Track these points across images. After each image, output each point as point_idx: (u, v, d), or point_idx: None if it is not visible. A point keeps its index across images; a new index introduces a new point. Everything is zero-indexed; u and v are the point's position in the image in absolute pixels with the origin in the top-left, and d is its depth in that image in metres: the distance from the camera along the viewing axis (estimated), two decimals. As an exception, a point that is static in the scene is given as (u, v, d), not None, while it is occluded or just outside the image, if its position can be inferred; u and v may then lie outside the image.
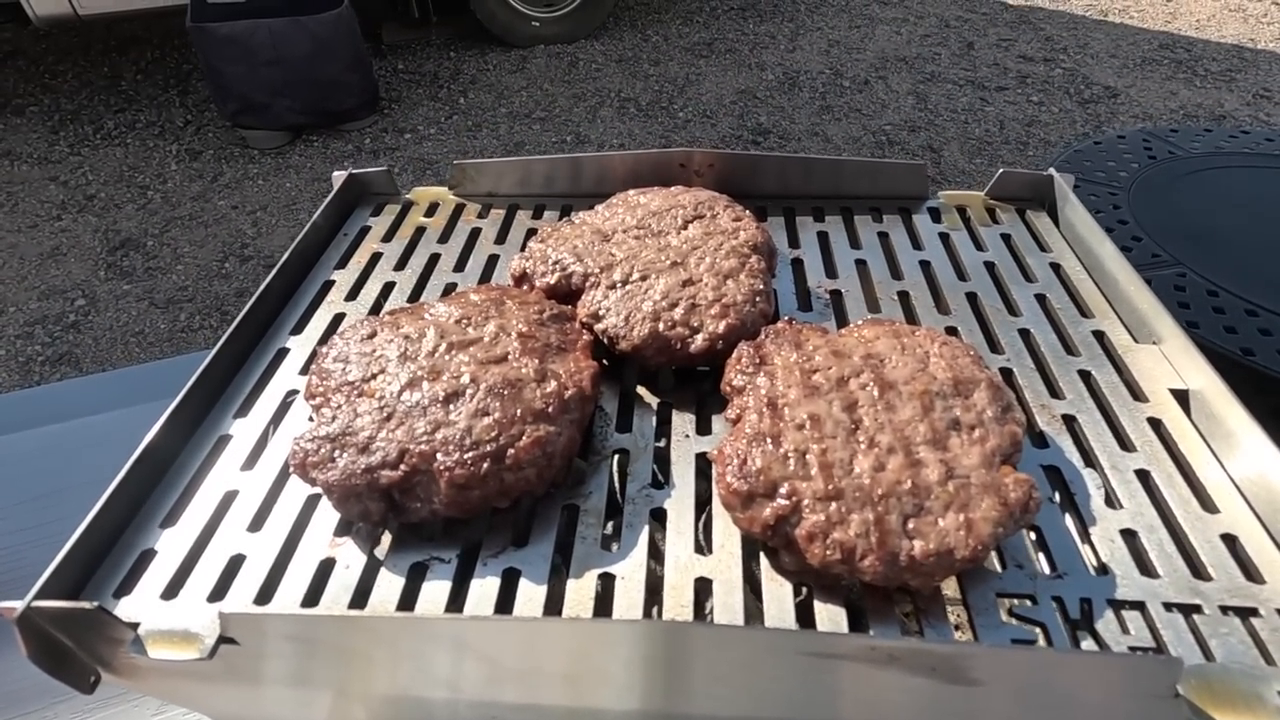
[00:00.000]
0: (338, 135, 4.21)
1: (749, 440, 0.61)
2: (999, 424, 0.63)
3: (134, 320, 3.16)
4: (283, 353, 0.80)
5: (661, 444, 0.70)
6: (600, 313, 0.75)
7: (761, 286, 0.76)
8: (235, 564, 0.61)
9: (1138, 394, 0.73)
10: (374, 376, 0.66)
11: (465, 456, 0.60)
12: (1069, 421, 0.71)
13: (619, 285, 0.76)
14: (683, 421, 0.72)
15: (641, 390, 0.75)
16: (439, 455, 0.60)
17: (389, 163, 4.10)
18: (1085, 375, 0.76)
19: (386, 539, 0.64)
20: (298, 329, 0.83)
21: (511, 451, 0.61)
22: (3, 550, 1.13)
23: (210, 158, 4.02)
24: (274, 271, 0.85)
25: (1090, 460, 0.68)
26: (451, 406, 0.63)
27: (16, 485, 1.24)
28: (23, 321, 3.13)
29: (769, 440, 0.61)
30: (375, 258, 0.93)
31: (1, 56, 4.66)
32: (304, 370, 0.78)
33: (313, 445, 0.62)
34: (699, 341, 0.71)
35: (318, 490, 0.66)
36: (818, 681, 0.53)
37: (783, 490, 0.58)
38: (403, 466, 0.60)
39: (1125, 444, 0.69)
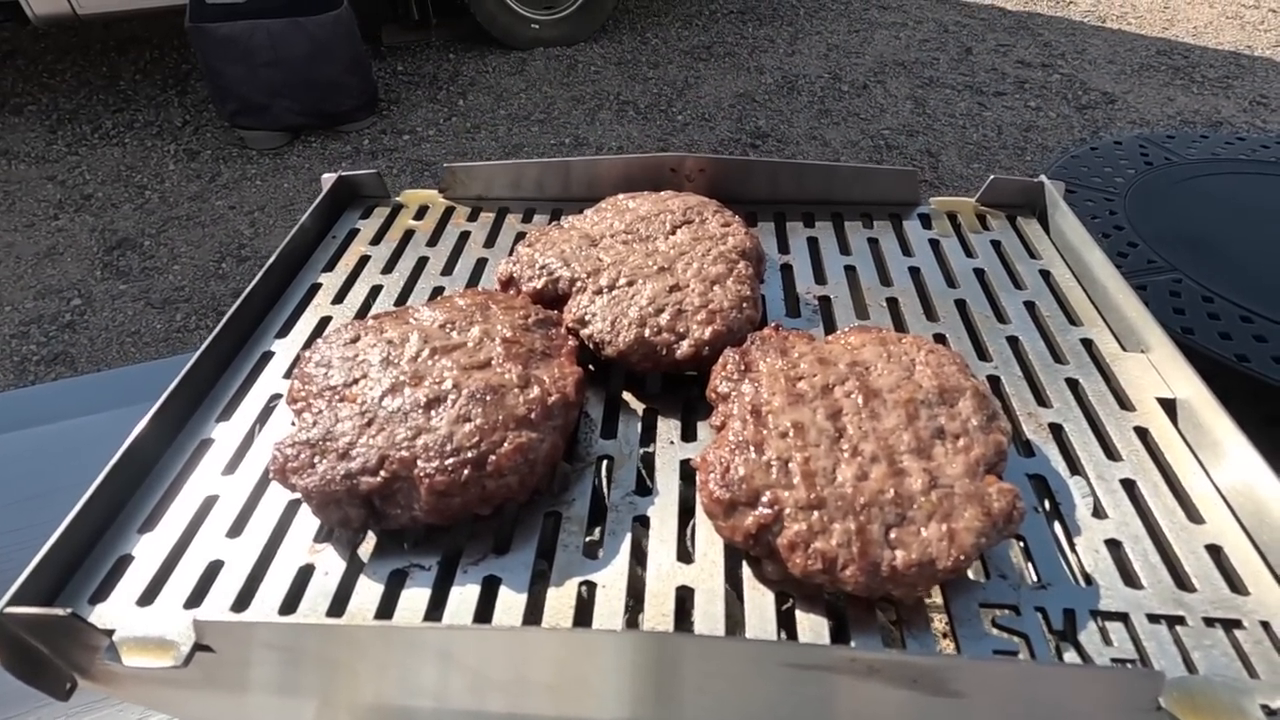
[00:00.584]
0: (336, 136, 4.20)
1: (732, 448, 0.61)
2: (984, 433, 0.62)
3: (130, 320, 3.15)
4: (267, 356, 0.80)
5: (647, 450, 0.70)
6: (586, 318, 0.74)
7: (749, 293, 0.76)
8: (213, 570, 0.61)
9: (1125, 403, 0.73)
10: (356, 381, 0.66)
11: (446, 463, 0.59)
12: (1056, 430, 0.71)
13: (605, 290, 0.76)
14: (668, 428, 0.71)
15: (627, 396, 0.75)
16: (419, 462, 0.60)
17: (387, 164, 4.10)
18: (1073, 383, 0.75)
19: (367, 545, 0.63)
20: (283, 332, 0.82)
21: (493, 458, 0.60)
22: (-9, 551, 1.12)
23: (208, 158, 4.02)
24: (260, 274, 0.85)
25: (1076, 469, 0.67)
26: (433, 412, 0.63)
27: (6, 487, 1.24)
28: (18, 321, 3.12)
29: (752, 448, 0.60)
30: (363, 261, 0.92)
31: (1, 56, 4.66)
32: (288, 374, 0.77)
33: (293, 450, 0.62)
34: (684, 348, 0.71)
35: (298, 496, 0.65)
36: (800, 692, 0.53)
37: (765, 499, 0.58)
38: (383, 473, 0.59)
39: (1112, 453, 0.68)
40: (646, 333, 0.72)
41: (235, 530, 0.63)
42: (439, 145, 4.26)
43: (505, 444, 0.61)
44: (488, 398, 0.63)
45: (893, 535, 0.56)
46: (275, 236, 3.56)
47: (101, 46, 4.78)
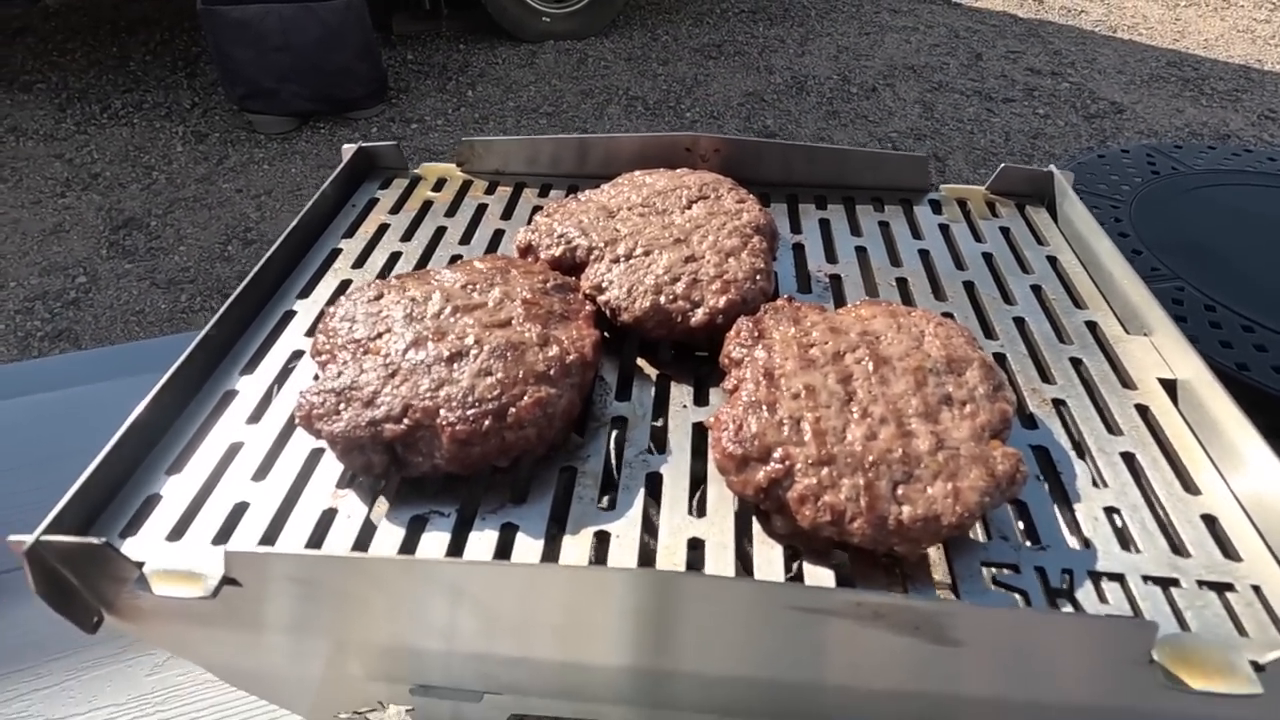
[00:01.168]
0: (345, 123, 4.23)
1: (745, 407, 0.63)
2: (990, 401, 0.64)
3: (134, 299, 3.17)
4: (289, 315, 0.82)
5: (659, 413, 0.72)
6: (603, 285, 0.77)
7: (763, 265, 0.78)
8: (239, 511, 0.63)
9: (1127, 382, 0.75)
10: (380, 335, 0.68)
11: (468, 413, 0.62)
12: (1058, 405, 0.73)
13: (622, 259, 0.78)
14: (681, 393, 0.74)
15: (641, 362, 0.77)
16: (442, 411, 0.62)
17: (394, 152, 4.11)
18: (1076, 363, 0.77)
19: (386, 498, 0.65)
20: (304, 293, 0.85)
21: (513, 410, 0.62)
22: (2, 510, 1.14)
23: (216, 141, 4.04)
24: (281, 237, 0.87)
25: (1077, 442, 0.70)
26: (455, 366, 0.65)
27: (16, 449, 1.26)
28: (23, 297, 3.14)
29: (765, 408, 0.63)
30: (382, 228, 0.94)
31: (11, 33, 4.68)
32: (310, 332, 0.80)
33: (319, 398, 0.64)
34: (699, 315, 0.73)
35: (321, 444, 0.67)
36: (801, 639, 0.55)
37: (776, 455, 0.60)
38: (406, 421, 0.62)
39: (1112, 428, 0.71)
40: (662, 300, 0.74)
41: (260, 474, 0.66)
42: (447, 135, 4.28)
43: (525, 397, 0.63)
44: (508, 354, 0.66)
45: (900, 491, 0.58)
46: (282, 220, 3.58)
47: (111, 27, 4.80)
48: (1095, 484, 0.66)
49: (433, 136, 4.23)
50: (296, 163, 3.96)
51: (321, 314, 0.81)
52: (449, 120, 4.34)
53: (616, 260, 0.78)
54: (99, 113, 4.12)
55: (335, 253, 0.91)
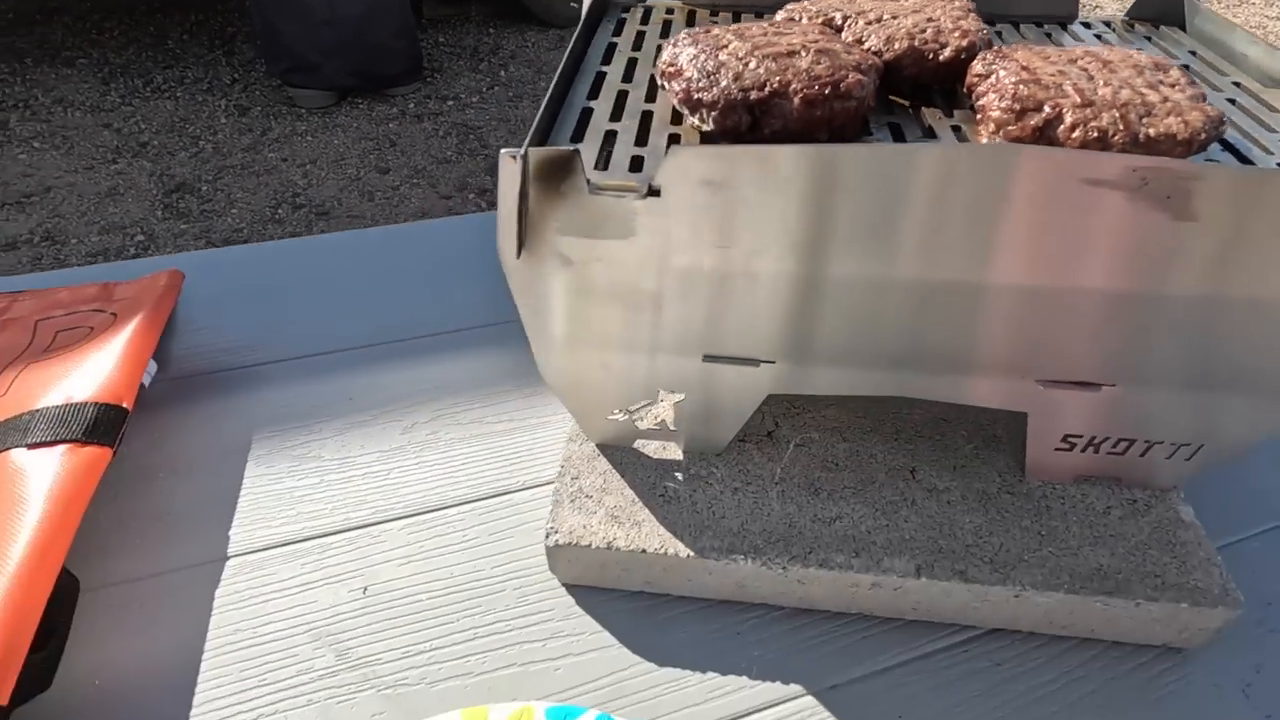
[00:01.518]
0: (382, 99, 4.51)
1: (1014, 81, 0.90)
2: (1192, 86, 0.92)
3: (194, 257, 3.39)
4: (601, 75, 1.08)
5: (922, 122, 0.99)
6: (863, 37, 1.04)
7: (985, 30, 1.06)
8: (636, 161, 0.89)
9: (1274, 108, 1.03)
10: (725, 46, 0.95)
11: (811, 84, 0.88)
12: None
13: (874, 21, 1.06)
14: (932, 113, 1.01)
15: (892, 98, 1.04)
16: (792, 83, 0.88)
17: (433, 126, 4.40)
18: (1231, 100, 1.05)
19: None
20: (604, 62, 1.11)
21: (843, 85, 0.89)
22: (365, 326, 1.38)
23: (258, 114, 4.30)
24: (571, 42, 1.13)
25: (1245, 135, 0.97)
26: (791, 59, 0.92)
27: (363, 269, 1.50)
28: (84, 253, 3.36)
29: (1029, 81, 0.90)
30: (640, 33, 1.21)
31: (48, 11, 4.94)
32: (624, 79, 1.06)
33: (693, 80, 0.90)
34: (947, 52, 1.01)
35: (677, 131, 0.94)
36: (1067, 224, 0.81)
37: (1048, 105, 0.87)
38: (767, 89, 0.88)
39: (1270, 129, 0.98)
40: (915, 43, 1.01)
41: (639, 143, 0.92)
42: (483, 111, 4.57)
43: (849, 77, 0.90)
44: (827, 53, 0.92)
45: (1144, 121, 0.85)
46: (328, 187, 3.84)
47: (147, 7, 5.08)
48: (1266, 152, 0.93)
49: (469, 113, 4.51)
50: (338, 135, 4.23)
51: (630, 61, 1.08)
52: (484, 98, 4.63)
53: (870, 22, 1.06)
54: (142, 86, 4.38)
55: (612, 45, 1.17)
